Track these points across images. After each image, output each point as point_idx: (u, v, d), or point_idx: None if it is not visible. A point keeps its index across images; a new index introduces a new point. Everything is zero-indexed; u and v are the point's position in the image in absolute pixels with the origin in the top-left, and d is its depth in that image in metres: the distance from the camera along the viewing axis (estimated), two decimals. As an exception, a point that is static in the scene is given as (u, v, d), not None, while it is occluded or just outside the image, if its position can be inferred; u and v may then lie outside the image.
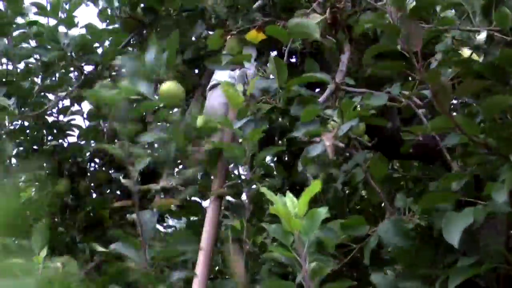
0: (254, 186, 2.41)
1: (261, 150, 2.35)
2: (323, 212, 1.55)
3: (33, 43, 3.48)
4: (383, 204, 3.02)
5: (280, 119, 2.99)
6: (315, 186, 1.49)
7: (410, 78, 2.00)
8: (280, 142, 2.71)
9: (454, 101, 2.66)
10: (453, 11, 2.14)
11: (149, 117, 2.83)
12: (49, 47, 3.29)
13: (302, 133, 2.18)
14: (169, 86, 2.69)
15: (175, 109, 2.76)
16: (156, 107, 2.64)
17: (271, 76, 2.51)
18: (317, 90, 2.70)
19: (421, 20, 2.21)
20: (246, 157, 2.28)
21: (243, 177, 2.46)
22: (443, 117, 1.85)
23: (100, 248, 2.24)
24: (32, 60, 3.53)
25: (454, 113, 2.19)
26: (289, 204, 1.51)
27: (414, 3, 1.96)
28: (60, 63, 3.30)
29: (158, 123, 2.72)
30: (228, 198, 2.65)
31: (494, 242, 1.96)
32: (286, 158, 3.34)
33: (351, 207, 3.17)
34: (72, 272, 2.68)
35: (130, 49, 3.44)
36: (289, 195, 1.55)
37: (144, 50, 2.67)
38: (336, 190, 3.03)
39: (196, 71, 3.22)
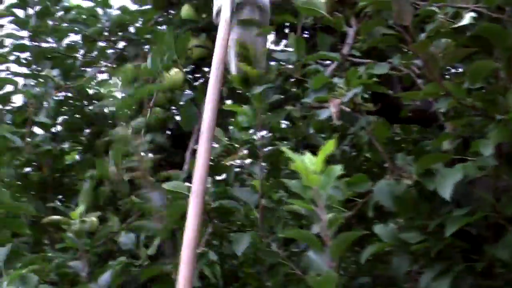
0: (269, 148, 2.46)
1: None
2: (338, 169, 1.60)
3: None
4: (385, 164, 3.07)
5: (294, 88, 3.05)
6: (329, 146, 1.54)
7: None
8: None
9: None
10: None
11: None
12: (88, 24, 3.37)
13: (313, 99, 2.24)
14: (169, 76, 2.84)
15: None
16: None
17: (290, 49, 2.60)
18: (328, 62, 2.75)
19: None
20: (258, 120, 2.34)
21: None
22: (434, 83, 1.90)
23: (137, 200, 2.31)
24: (74, 38, 3.63)
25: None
26: (307, 162, 1.55)
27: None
28: (99, 38, 3.38)
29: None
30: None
31: (484, 193, 2.00)
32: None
33: (357, 166, 3.22)
34: (113, 224, 2.77)
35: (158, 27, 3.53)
36: (307, 154, 1.60)
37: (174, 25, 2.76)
38: (344, 151, 3.08)
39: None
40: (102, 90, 3.42)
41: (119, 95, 2.19)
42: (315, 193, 1.54)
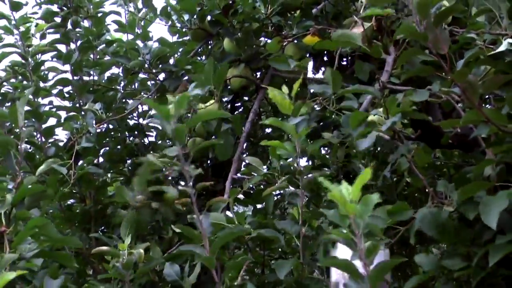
0: (309, 175, 2.47)
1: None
2: (375, 197, 1.58)
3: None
4: (427, 189, 3.05)
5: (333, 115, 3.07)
6: (366, 174, 1.54)
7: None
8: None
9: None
10: (483, 17, 2.16)
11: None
12: (129, 57, 3.43)
13: (355, 136, 2.26)
14: (205, 108, 2.87)
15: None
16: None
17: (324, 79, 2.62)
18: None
19: (456, 24, 2.25)
20: (297, 152, 2.35)
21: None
22: (473, 111, 1.89)
23: (178, 230, 2.33)
24: (114, 71, 3.69)
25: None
26: (344, 191, 1.55)
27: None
28: (140, 71, 3.43)
29: None
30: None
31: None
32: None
33: (399, 192, 3.21)
34: (155, 256, 2.79)
35: (198, 58, 3.58)
36: (344, 183, 1.60)
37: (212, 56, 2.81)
38: (385, 177, 3.07)
39: (258, 74, 3.32)
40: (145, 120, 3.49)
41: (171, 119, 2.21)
42: (353, 221, 1.54)
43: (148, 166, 2.32)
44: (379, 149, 3.43)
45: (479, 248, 2.07)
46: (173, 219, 2.90)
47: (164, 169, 2.37)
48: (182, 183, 2.79)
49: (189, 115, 2.97)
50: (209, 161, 3.44)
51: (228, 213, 2.65)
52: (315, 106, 2.65)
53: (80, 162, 3.27)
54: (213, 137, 3.27)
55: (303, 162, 2.48)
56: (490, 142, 2.14)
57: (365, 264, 1.54)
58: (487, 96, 2.59)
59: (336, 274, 1.96)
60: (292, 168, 2.44)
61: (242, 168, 3.21)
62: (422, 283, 3.32)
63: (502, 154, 2.09)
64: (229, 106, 3.43)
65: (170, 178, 2.73)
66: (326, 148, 3.65)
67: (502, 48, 1.87)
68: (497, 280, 2.09)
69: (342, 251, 2.08)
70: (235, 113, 3.46)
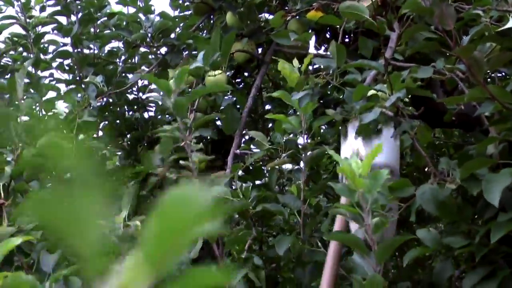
0: (309, 153, 2.47)
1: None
2: (384, 173, 1.59)
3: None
4: (426, 169, 3.06)
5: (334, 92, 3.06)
6: (377, 149, 1.54)
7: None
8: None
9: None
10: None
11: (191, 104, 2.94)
12: (131, 29, 3.41)
13: (358, 110, 2.25)
14: (215, 77, 2.86)
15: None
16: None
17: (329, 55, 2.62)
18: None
19: (462, 1, 2.24)
20: (302, 127, 2.35)
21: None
22: (478, 87, 1.89)
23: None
24: (115, 44, 3.68)
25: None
26: (353, 165, 1.55)
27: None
28: (141, 44, 3.42)
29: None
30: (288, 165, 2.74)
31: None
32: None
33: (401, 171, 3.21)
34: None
35: (200, 32, 3.56)
36: (354, 157, 1.60)
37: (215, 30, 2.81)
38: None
39: (260, 49, 3.31)
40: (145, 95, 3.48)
41: (172, 94, 2.21)
42: (361, 196, 1.54)
43: (172, 132, 2.32)
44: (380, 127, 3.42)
45: (481, 226, 2.08)
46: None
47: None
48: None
49: (190, 90, 2.97)
50: (208, 137, 3.43)
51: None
52: (318, 82, 2.64)
53: (81, 136, 3.26)
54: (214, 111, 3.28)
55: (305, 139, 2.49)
56: (493, 120, 2.13)
57: (372, 240, 1.54)
58: (491, 75, 2.59)
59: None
60: (296, 143, 2.43)
61: (242, 145, 3.21)
62: (418, 261, 3.35)
63: (505, 132, 2.09)
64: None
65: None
66: (325, 126, 3.64)
67: (509, 25, 1.86)
68: (496, 258, 2.09)
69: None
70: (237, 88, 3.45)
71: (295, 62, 2.33)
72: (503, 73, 2.59)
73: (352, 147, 2.31)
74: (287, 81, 2.52)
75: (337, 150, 3.28)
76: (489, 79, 2.61)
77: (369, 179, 1.53)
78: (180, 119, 2.22)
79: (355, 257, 1.67)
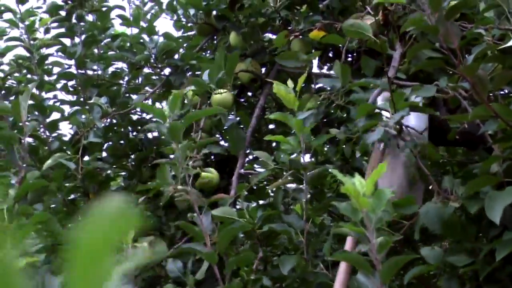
0: (311, 172, 2.47)
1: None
2: (388, 192, 1.58)
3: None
4: (430, 187, 3.06)
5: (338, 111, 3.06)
6: (380, 168, 1.53)
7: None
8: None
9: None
10: (492, 12, 2.16)
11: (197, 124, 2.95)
12: (135, 51, 3.43)
13: (361, 128, 2.26)
14: (221, 95, 2.87)
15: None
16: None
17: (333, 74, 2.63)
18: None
19: (464, 20, 2.25)
20: (301, 147, 2.36)
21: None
22: (482, 106, 1.89)
23: (185, 224, 2.33)
24: (118, 65, 3.69)
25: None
26: (357, 184, 1.54)
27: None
28: (145, 65, 3.43)
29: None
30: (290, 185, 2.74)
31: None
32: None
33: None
34: (161, 250, 2.80)
35: (203, 53, 3.58)
36: (357, 176, 1.59)
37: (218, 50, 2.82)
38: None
39: (263, 69, 3.32)
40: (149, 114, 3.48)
41: (166, 119, 2.22)
42: (365, 216, 1.53)
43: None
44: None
45: (485, 245, 2.07)
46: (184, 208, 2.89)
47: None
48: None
49: (193, 110, 2.98)
50: (213, 157, 3.44)
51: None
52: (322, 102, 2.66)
53: (86, 157, 3.27)
54: (217, 133, 3.29)
55: (307, 157, 2.49)
56: (497, 138, 2.14)
57: (377, 259, 1.53)
58: (494, 94, 2.60)
59: None
60: (299, 163, 2.43)
61: (246, 165, 3.21)
62: (424, 280, 3.33)
63: (509, 150, 2.09)
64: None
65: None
66: (328, 145, 3.65)
67: (511, 43, 1.87)
68: (501, 276, 2.09)
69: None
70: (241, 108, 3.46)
71: (290, 83, 2.33)
72: (505, 91, 2.60)
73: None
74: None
75: (341, 168, 3.30)
76: (492, 97, 2.62)
77: (372, 198, 1.52)
78: (176, 143, 2.23)
79: (359, 276, 1.66)
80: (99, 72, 3.62)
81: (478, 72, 1.90)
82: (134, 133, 3.68)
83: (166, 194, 2.52)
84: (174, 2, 3.43)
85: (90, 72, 3.60)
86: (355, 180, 1.50)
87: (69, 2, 3.56)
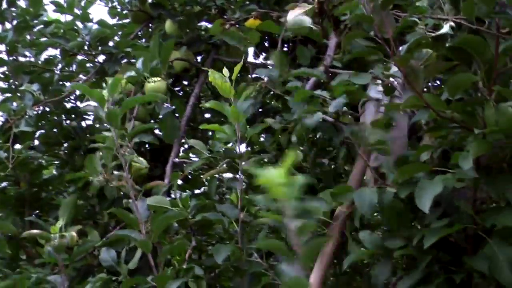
0: (249, 160, 2.46)
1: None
2: (301, 179, 1.57)
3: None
4: (364, 177, 3.08)
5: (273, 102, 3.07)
6: (291, 156, 1.53)
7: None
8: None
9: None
10: (425, 1, 2.18)
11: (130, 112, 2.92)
12: (68, 37, 3.36)
13: (297, 113, 2.26)
14: (155, 84, 2.85)
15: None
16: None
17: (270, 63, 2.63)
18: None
19: (398, 9, 2.27)
20: (237, 136, 2.34)
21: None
22: (414, 95, 1.91)
23: (119, 211, 2.29)
24: (52, 52, 3.62)
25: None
26: (273, 175, 1.54)
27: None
28: (79, 52, 3.37)
29: None
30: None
31: (464, 205, 2.00)
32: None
33: (338, 180, 3.23)
34: (93, 238, 2.75)
35: (138, 41, 3.53)
36: (271, 168, 1.58)
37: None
38: (323, 164, 3.09)
39: (199, 58, 3.30)
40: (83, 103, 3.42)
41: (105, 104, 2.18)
42: (282, 204, 1.53)
43: (110, 142, 2.28)
44: (318, 136, 3.44)
45: (418, 230, 2.09)
46: (114, 196, 2.86)
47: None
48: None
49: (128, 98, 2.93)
50: (147, 145, 3.40)
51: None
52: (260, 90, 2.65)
53: (18, 145, 3.19)
54: (152, 121, 3.25)
55: (243, 147, 2.48)
56: (428, 127, 2.16)
57: (297, 244, 1.53)
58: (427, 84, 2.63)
59: None
60: (234, 152, 2.42)
61: (181, 154, 3.18)
62: (357, 269, 3.36)
63: (440, 140, 2.11)
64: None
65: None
66: (264, 135, 3.65)
67: (443, 30, 1.89)
68: (433, 263, 2.11)
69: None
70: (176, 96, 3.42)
71: (225, 71, 2.32)
72: (437, 82, 2.63)
73: None
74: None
75: (276, 158, 3.30)
76: (425, 88, 2.64)
77: (287, 187, 1.52)
78: (114, 129, 2.20)
79: (282, 265, 1.65)
80: (31, 58, 3.54)
81: (411, 62, 1.91)
82: (68, 122, 3.62)
83: (95, 183, 2.49)
84: (109, -11, 3.38)
85: (21, 59, 3.52)
86: (270, 171, 1.50)
87: (0, -13, 3.47)
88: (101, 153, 2.54)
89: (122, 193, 2.76)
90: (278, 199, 1.53)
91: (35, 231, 2.48)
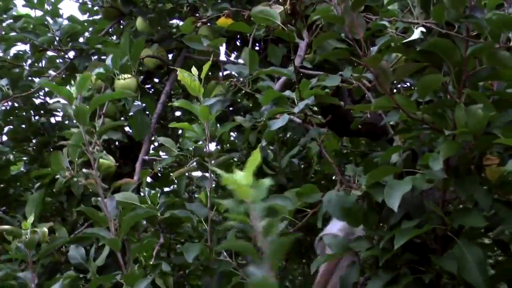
0: (218, 159, 2.46)
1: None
2: (267, 181, 1.57)
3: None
4: (334, 177, 3.10)
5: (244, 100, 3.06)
6: (255, 158, 1.52)
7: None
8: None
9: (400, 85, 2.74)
10: (396, 5, 2.19)
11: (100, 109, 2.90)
12: (38, 33, 3.32)
13: (266, 115, 2.25)
14: (124, 81, 2.84)
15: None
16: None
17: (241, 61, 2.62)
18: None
19: (369, 11, 2.28)
20: (206, 135, 2.33)
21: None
22: (385, 97, 1.92)
23: (87, 209, 2.27)
24: (21, 47, 3.58)
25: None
26: (238, 177, 1.53)
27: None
28: (49, 48, 3.33)
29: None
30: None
31: (434, 206, 2.01)
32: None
33: (308, 179, 3.25)
34: (61, 235, 2.72)
35: (109, 37, 3.50)
36: (238, 171, 1.58)
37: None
38: (293, 164, 3.09)
39: (170, 56, 3.29)
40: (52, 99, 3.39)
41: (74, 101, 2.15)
42: (248, 205, 1.52)
43: (77, 139, 2.25)
44: (288, 136, 3.45)
45: (385, 232, 2.10)
46: (80, 193, 2.83)
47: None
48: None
49: (97, 94, 2.91)
50: (117, 143, 3.38)
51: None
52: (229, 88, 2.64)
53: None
54: (122, 118, 3.22)
55: (212, 146, 2.47)
56: (398, 129, 2.17)
57: (264, 244, 1.52)
58: (396, 86, 2.64)
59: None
60: (203, 150, 2.40)
61: (151, 151, 3.16)
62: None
63: (410, 141, 2.13)
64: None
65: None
66: (235, 134, 3.65)
67: (414, 36, 1.89)
68: (400, 264, 2.12)
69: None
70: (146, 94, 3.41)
71: (194, 70, 2.30)
72: (408, 84, 2.64)
73: None
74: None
75: (246, 156, 3.30)
76: (395, 90, 2.66)
77: (253, 188, 1.52)
78: (82, 126, 2.17)
79: (250, 267, 1.65)
80: (0, 53, 3.49)
81: (382, 63, 1.91)
82: (36, 117, 3.58)
83: (61, 180, 2.46)
84: (80, -15, 3.35)
85: (-11, 53, 3.48)
86: (236, 173, 1.49)
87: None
88: (68, 150, 2.52)
89: (90, 190, 2.74)
90: (245, 201, 1.53)
91: (5, 226, 2.45)
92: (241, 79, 2.59)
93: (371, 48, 1.96)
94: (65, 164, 2.50)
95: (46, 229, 2.48)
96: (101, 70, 2.72)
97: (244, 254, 1.66)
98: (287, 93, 2.23)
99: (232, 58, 3.22)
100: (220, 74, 3.03)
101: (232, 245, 1.76)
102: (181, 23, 3.18)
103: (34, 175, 2.95)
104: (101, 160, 2.50)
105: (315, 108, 2.64)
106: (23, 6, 3.64)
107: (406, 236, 1.93)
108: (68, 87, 2.18)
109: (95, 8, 3.46)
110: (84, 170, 2.40)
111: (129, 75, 2.81)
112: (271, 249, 1.54)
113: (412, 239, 1.99)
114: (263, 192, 1.52)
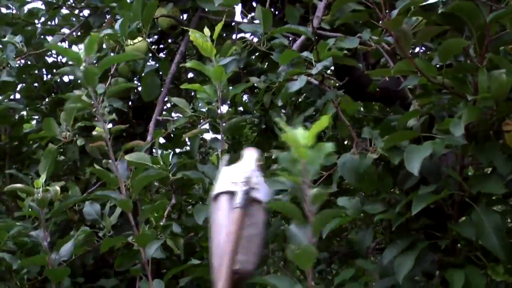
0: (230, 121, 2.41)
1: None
2: (329, 146, 1.52)
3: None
4: (346, 142, 3.05)
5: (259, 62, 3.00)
6: (324, 121, 1.47)
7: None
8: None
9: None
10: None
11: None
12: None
13: (283, 75, 2.20)
14: (134, 45, 2.80)
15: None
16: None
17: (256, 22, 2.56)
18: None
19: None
20: (218, 96, 2.28)
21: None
22: (405, 60, 1.86)
23: (99, 169, 2.24)
24: (35, 5, 3.52)
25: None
26: (298, 135, 1.48)
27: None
28: (63, 5, 3.27)
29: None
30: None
31: (452, 171, 1.98)
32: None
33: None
34: (74, 194, 2.70)
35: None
36: (300, 127, 1.53)
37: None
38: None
39: (185, 16, 3.23)
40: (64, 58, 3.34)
41: (82, 63, 2.10)
42: (303, 166, 1.47)
43: (75, 101, 2.20)
44: (300, 100, 3.39)
45: (401, 196, 2.07)
46: (99, 157, 2.80)
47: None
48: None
49: (112, 54, 2.86)
50: (130, 103, 3.33)
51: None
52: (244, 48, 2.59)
53: (-2, 97, 3.12)
54: (135, 78, 3.18)
55: (225, 107, 2.42)
56: (417, 93, 2.12)
57: (310, 211, 1.48)
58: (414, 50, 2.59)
59: None
60: (216, 112, 2.35)
61: (164, 112, 3.12)
62: (336, 233, 3.34)
63: (429, 106, 2.08)
64: (154, 47, 3.31)
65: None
66: (248, 96, 3.60)
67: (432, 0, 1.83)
68: (415, 229, 2.09)
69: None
70: (160, 54, 3.35)
71: (206, 31, 2.24)
72: (423, 49, 2.59)
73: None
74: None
75: (260, 118, 3.26)
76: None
77: (313, 150, 1.46)
78: (91, 88, 2.12)
79: (292, 227, 1.60)
80: (14, 10, 3.44)
81: (403, 26, 1.86)
82: (49, 76, 3.54)
83: (51, 146, 2.43)
84: None
85: (4, 10, 3.42)
86: (297, 130, 1.44)
87: None
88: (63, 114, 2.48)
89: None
90: (300, 161, 1.47)
91: (18, 185, 2.42)
92: (255, 39, 2.53)
93: (392, 11, 1.90)
94: (62, 128, 2.47)
95: (58, 188, 2.45)
96: (110, 31, 2.66)
97: (290, 216, 1.61)
98: (305, 54, 2.17)
99: (248, 19, 3.14)
100: (235, 35, 2.96)
101: (281, 207, 1.70)
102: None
103: (30, 138, 2.93)
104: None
105: (329, 72, 2.59)
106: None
107: (424, 201, 1.90)
108: (78, 47, 2.12)
109: (109, -34, 3.39)
110: (94, 132, 2.35)
111: (140, 39, 2.76)
112: (317, 218, 1.50)
113: (428, 205, 1.95)
114: (322, 155, 1.47)
